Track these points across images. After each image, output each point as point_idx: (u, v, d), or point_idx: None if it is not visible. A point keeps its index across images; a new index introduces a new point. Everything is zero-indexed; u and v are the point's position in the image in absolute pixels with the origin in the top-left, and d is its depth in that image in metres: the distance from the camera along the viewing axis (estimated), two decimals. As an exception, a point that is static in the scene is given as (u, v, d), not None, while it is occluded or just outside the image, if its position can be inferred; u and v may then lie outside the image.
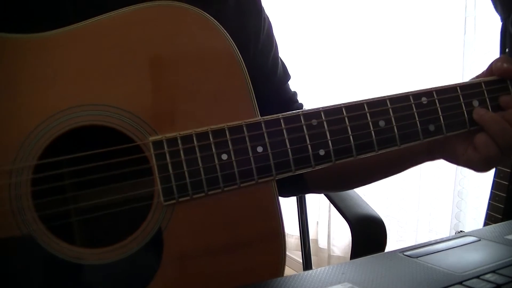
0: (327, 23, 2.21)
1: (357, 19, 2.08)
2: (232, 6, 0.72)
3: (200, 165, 0.51)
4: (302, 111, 0.55)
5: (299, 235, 1.21)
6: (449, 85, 0.59)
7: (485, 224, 1.21)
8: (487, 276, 0.45)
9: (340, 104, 0.56)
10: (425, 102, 0.58)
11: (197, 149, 0.51)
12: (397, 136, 0.57)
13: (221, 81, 0.54)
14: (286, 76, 0.83)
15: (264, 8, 0.80)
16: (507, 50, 1.20)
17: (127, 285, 0.51)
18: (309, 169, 0.54)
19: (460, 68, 1.70)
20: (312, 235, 2.14)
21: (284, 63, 0.83)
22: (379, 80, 1.98)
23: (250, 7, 0.76)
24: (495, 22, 1.29)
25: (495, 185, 1.19)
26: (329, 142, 0.55)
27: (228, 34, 0.54)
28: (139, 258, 0.50)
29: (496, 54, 1.23)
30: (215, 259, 0.52)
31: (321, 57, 2.25)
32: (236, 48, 0.54)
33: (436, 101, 0.58)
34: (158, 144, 0.51)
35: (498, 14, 1.23)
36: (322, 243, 2.39)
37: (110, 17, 0.53)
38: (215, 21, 0.54)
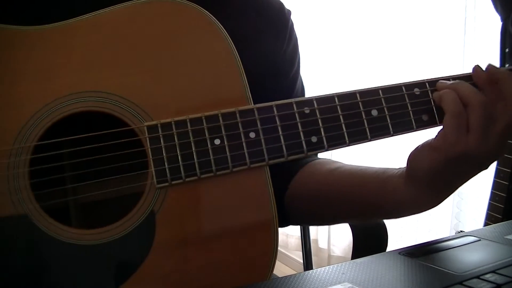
0: (328, 25, 2.21)
1: (357, 19, 2.08)
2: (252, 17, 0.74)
3: (193, 149, 0.52)
4: (294, 100, 0.56)
5: (299, 235, 1.21)
6: (442, 77, 0.60)
7: (485, 224, 1.21)
8: (487, 276, 0.45)
9: (332, 93, 0.57)
10: (417, 93, 0.58)
11: (190, 133, 0.53)
12: (390, 125, 0.57)
13: (216, 74, 0.56)
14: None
15: (296, 35, 0.81)
16: (507, 50, 1.20)
17: (118, 266, 0.51)
18: (302, 155, 0.55)
19: (460, 69, 1.70)
20: (312, 235, 2.13)
21: (303, 91, 0.83)
22: (379, 80, 1.98)
23: (277, 27, 0.77)
24: (495, 22, 1.29)
25: (495, 185, 1.19)
26: (322, 129, 0.56)
27: (224, 30, 0.56)
28: (131, 240, 0.51)
29: (496, 54, 1.23)
30: (205, 245, 0.53)
31: (322, 58, 2.25)
32: (232, 43, 0.56)
33: (429, 92, 0.58)
34: (152, 129, 0.52)
35: (498, 14, 1.23)
36: (322, 243, 2.39)
37: (112, 11, 0.55)
38: (213, 17, 0.56)
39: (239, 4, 0.74)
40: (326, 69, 2.24)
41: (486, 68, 0.60)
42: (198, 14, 0.56)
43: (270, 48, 0.76)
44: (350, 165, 0.71)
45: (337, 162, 0.74)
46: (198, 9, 0.56)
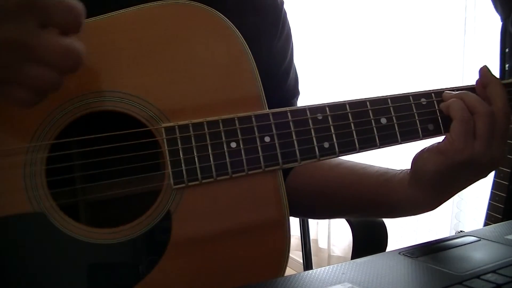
0: (327, 24, 2.21)
1: (358, 20, 2.08)
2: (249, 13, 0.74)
3: (210, 151, 0.53)
4: (308, 106, 0.57)
5: (299, 235, 1.21)
6: (447, 88, 0.61)
7: (485, 224, 1.21)
8: (487, 276, 0.45)
9: (344, 101, 0.58)
10: (424, 103, 0.60)
11: (207, 136, 0.53)
12: (398, 133, 0.58)
13: (232, 78, 0.56)
14: (294, 91, 0.83)
15: (289, 24, 0.81)
16: (507, 50, 1.20)
17: (134, 266, 0.52)
18: (314, 160, 0.56)
19: (460, 68, 1.70)
20: (312, 235, 2.13)
21: (297, 79, 0.84)
22: (380, 80, 1.98)
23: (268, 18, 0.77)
24: (495, 22, 1.29)
25: (495, 185, 1.19)
26: (333, 135, 0.57)
27: (240, 34, 0.57)
28: (147, 239, 0.52)
29: (496, 54, 1.24)
30: (221, 245, 0.54)
31: (321, 58, 2.25)
32: (247, 46, 0.57)
33: (435, 102, 0.60)
34: (170, 130, 0.53)
35: (498, 14, 1.23)
36: (322, 243, 2.39)
37: (129, 12, 0.55)
38: (228, 20, 0.57)
39: (237, 5, 0.74)
40: (326, 68, 2.24)
41: (480, 69, 0.61)
42: (213, 16, 0.56)
43: (267, 49, 0.77)
44: (351, 162, 0.72)
45: (338, 158, 0.74)
46: (212, 12, 0.56)
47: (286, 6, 0.82)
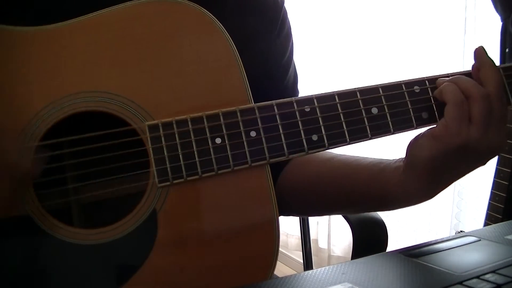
0: (329, 25, 2.21)
1: (357, 20, 2.08)
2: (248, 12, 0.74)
3: (195, 148, 0.53)
4: (295, 98, 0.56)
5: (299, 235, 1.21)
6: (441, 74, 0.60)
7: (485, 224, 1.21)
8: (487, 276, 0.45)
9: (332, 92, 0.57)
10: (417, 91, 0.58)
11: (191, 132, 0.53)
12: (390, 123, 0.57)
13: (217, 73, 0.56)
14: (293, 90, 0.82)
15: (289, 23, 0.81)
16: (507, 50, 1.20)
17: (120, 266, 0.51)
18: (303, 154, 0.55)
19: (460, 68, 1.69)
20: (312, 235, 2.13)
21: (296, 79, 0.83)
22: (379, 81, 1.98)
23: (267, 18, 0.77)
24: (495, 22, 1.29)
25: (495, 185, 1.19)
26: (322, 127, 0.56)
27: (225, 29, 0.56)
28: (133, 239, 0.51)
29: (496, 54, 1.23)
30: (206, 244, 0.53)
31: (322, 58, 2.25)
32: (232, 43, 0.56)
33: (429, 89, 0.59)
34: (153, 128, 0.53)
35: (498, 14, 1.23)
36: (322, 243, 2.39)
37: (112, 11, 0.55)
38: (213, 16, 0.56)
39: (235, 4, 0.74)
40: (326, 68, 2.24)
41: (476, 50, 0.59)
42: (198, 13, 0.56)
43: (266, 48, 0.76)
44: (344, 155, 0.71)
45: (331, 152, 0.73)
46: (198, 9, 0.56)
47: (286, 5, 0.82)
